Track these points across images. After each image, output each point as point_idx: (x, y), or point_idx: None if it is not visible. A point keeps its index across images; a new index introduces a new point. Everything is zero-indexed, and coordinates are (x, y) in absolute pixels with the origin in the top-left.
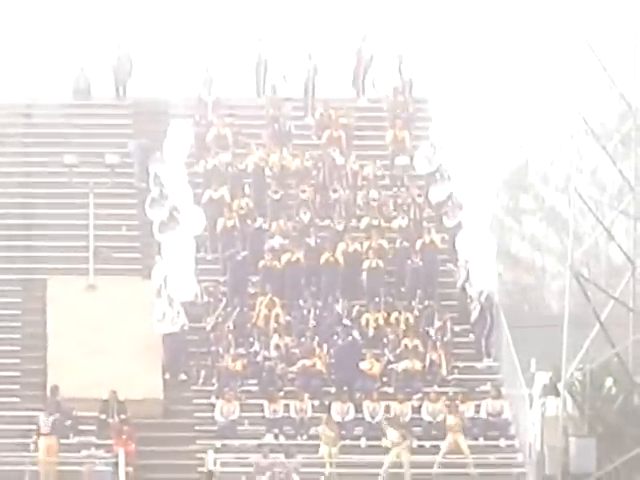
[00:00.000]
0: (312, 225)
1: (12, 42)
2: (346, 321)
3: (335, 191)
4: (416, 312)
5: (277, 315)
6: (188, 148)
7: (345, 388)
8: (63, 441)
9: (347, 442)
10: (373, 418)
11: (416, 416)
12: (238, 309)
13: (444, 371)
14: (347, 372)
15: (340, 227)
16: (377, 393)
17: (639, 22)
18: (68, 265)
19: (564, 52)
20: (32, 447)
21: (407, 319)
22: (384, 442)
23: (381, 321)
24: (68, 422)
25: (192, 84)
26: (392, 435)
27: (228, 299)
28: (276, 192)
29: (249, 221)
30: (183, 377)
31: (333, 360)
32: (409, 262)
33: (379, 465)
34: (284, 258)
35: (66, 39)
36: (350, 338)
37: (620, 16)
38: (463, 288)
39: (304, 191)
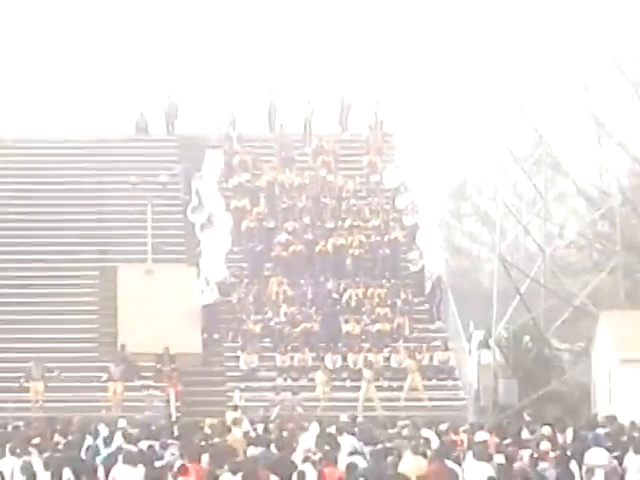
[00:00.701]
0: (310, 225)
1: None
2: (335, 295)
3: (326, 200)
4: (386, 288)
5: (284, 291)
6: (220, 170)
7: (334, 344)
8: (129, 384)
9: (336, 383)
10: (355, 365)
11: (386, 364)
12: (256, 287)
13: (407, 331)
14: (336, 332)
15: (331, 226)
16: (358, 347)
17: (546, 69)
18: (133, 256)
19: (494, 98)
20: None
21: (379, 293)
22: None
23: (360, 295)
24: (132, 370)
25: (222, 123)
26: (367, 374)
27: (249, 280)
28: (284, 202)
29: (264, 223)
30: (217, 336)
31: (326, 323)
32: (380, 252)
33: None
34: (290, 249)
35: (129, 88)
36: (337, 307)
37: (533, 64)
38: (420, 271)
39: (303, 201)
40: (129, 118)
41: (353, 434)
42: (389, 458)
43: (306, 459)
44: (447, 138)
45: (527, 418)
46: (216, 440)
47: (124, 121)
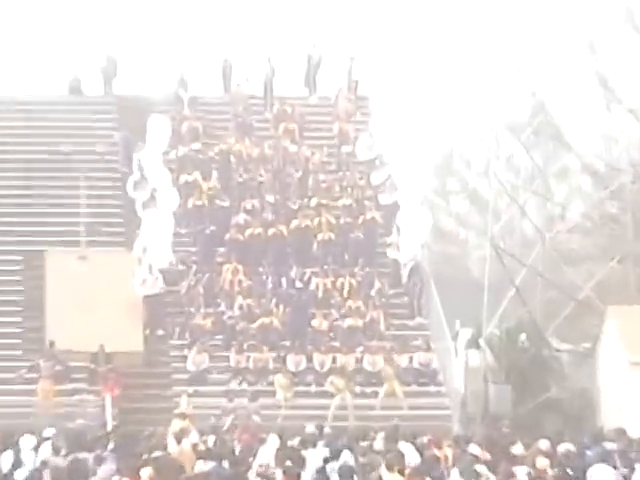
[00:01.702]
0: (271, 204)
1: (15, 45)
2: (298, 284)
3: (289, 175)
4: (358, 277)
5: (240, 280)
6: (166, 138)
7: (298, 342)
8: (59, 387)
9: (300, 388)
10: (322, 368)
11: (358, 366)
12: (207, 275)
13: (382, 327)
14: (300, 328)
15: (295, 206)
16: (325, 346)
17: (545, 23)
18: (63, 238)
19: (485, 58)
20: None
21: (351, 283)
22: (328, 387)
23: (329, 285)
24: (63, 370)
25: (169, 83)
26: (338, 382)
27: (198, 267)
28: (240, 176)
29: (217, 201)
30: (161, 332)
31: (288, 318)
32: (352, 235)
33: (326, 407)
34: (247, 232)
35: (61, 44)
36: (302, 299)
37: (530, 17)
38: (396, 257)
39: (262, 175)
40: (61, 78)
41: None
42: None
43: (263, 476)
44: (432, 103)
45: (505, 430)
46: (159, 453)
47: (55, 81)
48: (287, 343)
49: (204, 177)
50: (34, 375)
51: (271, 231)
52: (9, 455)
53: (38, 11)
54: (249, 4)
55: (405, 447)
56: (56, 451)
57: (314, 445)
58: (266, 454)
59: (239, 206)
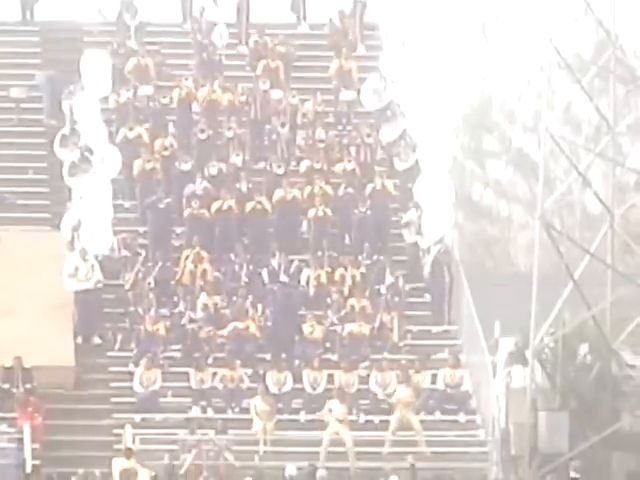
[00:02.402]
0: (245, 169)
1: None
2: (284, 278)
3: (271, 130)
4: (364, 268)
5: (204, 271)
6: (105, 80)
7: (283, 355)
8: None
9: (284, 416)
10: (314, 389)
11: (363, 387)
12: (160, 264)
13: (396, 336)
14: (285, 336)
15: (280, 171)
16: (319, 360)
17: None
18: None
19: None
20: None
21: (354, 276)
22: (325, 417)
23: (324, 278)
24: None
25: (110, 7)
26: (338, 411)
27: (149, 253)
28: (203, 131)
29: (176, 163)
30: (97, 341)
31: (269, 323)
32: (356, 211)
33: (320, 442)
34: (214, 207)
35: None
36: (288, 298)
37: None
38: (415, 241)
39: (231, 129)
40: None
41: None
42: None
43: None
44: (461, 32)
45: (574, 474)
46: None
47: None
48: (267, 356)
49: (155, 133)
50: None
51: (249, 205)
52: None
53: None
54: None
55: None
56: None
57: None
58: None
59: (202, 171)
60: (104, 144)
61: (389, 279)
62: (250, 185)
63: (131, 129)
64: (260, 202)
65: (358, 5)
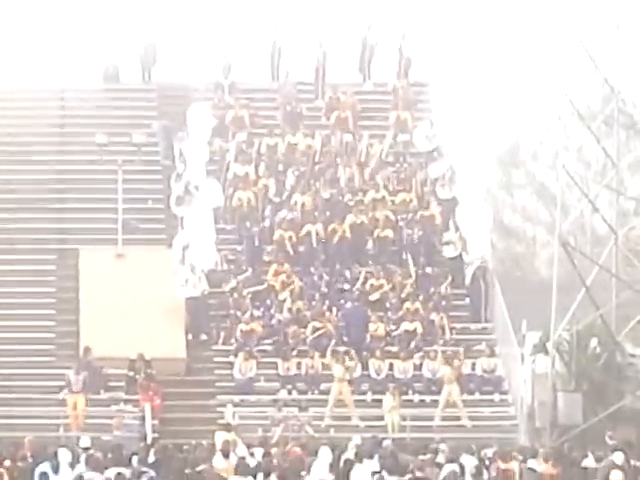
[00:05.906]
0: (323, 200)
1: (45, 33)
2: (354, 287)
3: (343, 168)
4: (417, 278)
5: (291, 281)
6: (209, 128)
7: (349, 349)
8: (94, 397)
9: (355, 397)
10: (378, 375)
11: (417, 373)
12: (254, 276)
13: (443, 332)
14: (355, 333)
15: (351, 203)
16: (381, 352)
17: (620, 11)
18: (98, 236)
19: (553, 41)
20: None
21: (409, 284)
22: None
23: (385, 286)
24: (98, 380)
25: (211, 70)
26: (388, 402)
27: (245, 266)
28: (290, 169)
29: (268, 195)
30: (204, 337)
31: (342, 323)
32: (410, 232)
33: (382, 418)
34: (304, 230)
35: (96, 30)
36: (358, 301)
37: (603, 6)
38: (460, 256)
39: (313, 169)
40: (96, 65)
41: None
42: None
43: None
44: (495, 90)
45: (610, 441)
46: (203, 467)
47: (90, 69)
48: (340, 349)
49: (255, 171)
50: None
51: (329, 228)
52: (43, 468)
53: None
54: None
55: (468, 460)
56: (91, 465)
57: (371, 457)
58: (320, 470)
59: (288, 202)
60: (207, 179)
61: (437, 287)
62: (328, 213)
63: (241, 165)
64: (341, 225)
65: (406, 61)
